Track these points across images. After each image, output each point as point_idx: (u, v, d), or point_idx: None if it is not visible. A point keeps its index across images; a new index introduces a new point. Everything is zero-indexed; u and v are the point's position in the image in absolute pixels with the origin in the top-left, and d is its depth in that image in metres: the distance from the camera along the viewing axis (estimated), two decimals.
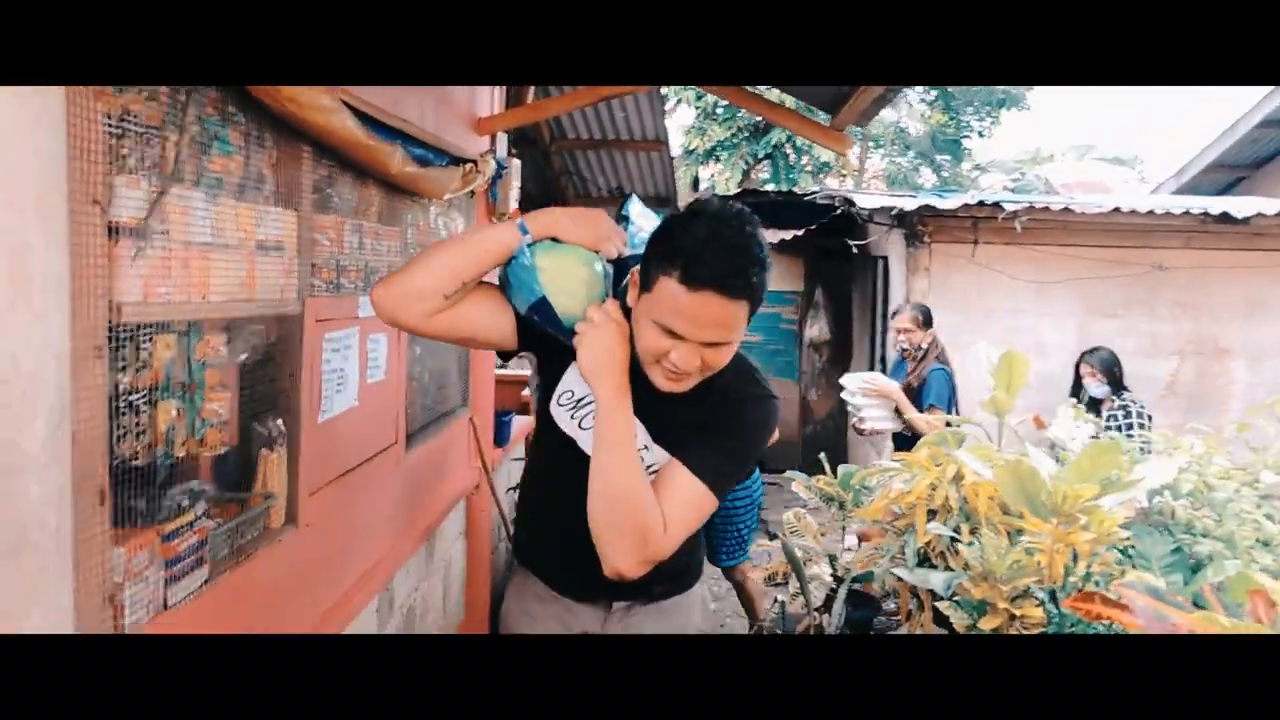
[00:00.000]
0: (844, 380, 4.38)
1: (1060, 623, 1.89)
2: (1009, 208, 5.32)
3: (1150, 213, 5.39)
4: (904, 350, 4.47)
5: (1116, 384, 4.48)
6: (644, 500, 1.37)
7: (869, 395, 4.28)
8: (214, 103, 1.63)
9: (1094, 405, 4.54)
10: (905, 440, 4.32)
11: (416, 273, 1.44)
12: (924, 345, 4.41)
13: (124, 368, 1.44)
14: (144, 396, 1.50)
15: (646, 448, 1.49)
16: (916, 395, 4.33)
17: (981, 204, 5.42)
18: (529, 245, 1.43)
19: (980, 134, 17.34)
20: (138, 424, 1.48)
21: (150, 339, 1.49)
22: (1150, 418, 4.41)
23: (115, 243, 1.33)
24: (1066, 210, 5.43)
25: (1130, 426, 4.29)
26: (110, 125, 1.33)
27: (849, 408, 4.40)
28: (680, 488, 1.41)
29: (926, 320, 4.46)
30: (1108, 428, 4.33)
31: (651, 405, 1.46)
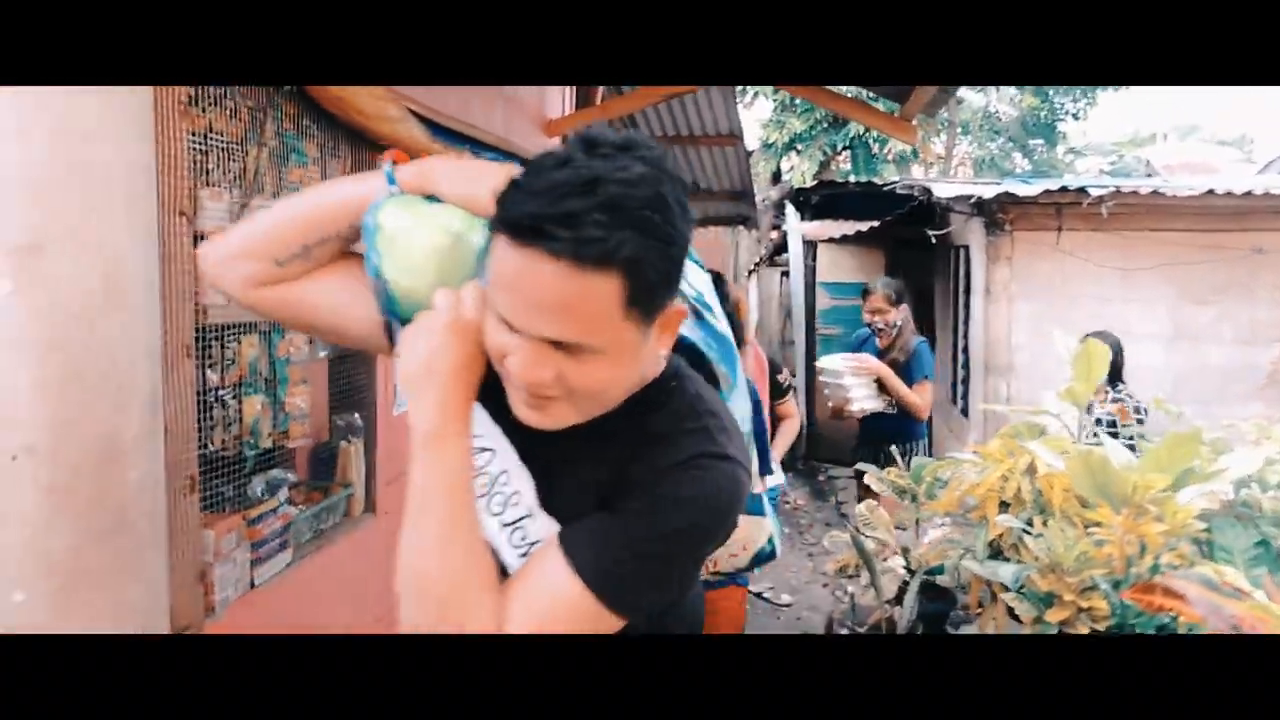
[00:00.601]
0: (823, 361, 4.23)
1: (1123, 614, 1.85)
2: (1094, 192, 5.14)
3: (1248, 194, 5.13)
4: (878, 330, 4.26)
5: (1116, 374, 4.23)
6: (460, 586, 0.88)
7: (858, 374, 4.08)
8: (290, 117, 1.75)
9: None
10: (887, 420, 4.12)
11: (246, 226, 1.03)
12: (897, 322, 4.27)
13: (212, 365, 1.57)
14: (230, 392, 1.63)
15: (529, 516, 0.96)
16: (904, 370, 4.14)
17: (1065, 189, 5.24)
18: (389, 199, 0.99)
19: (1075, 116, 16.71)
20: (225, 417, 1.61)
21: (236, 338, 1.62)
22: (1147, 412, 4.16)
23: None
24: (1156, 193, 5.21)
25: (1128, 424, 4.06)
26: (195, 141, 1.45)
27: (825, 390, 4.25)
28: (544, 582, 0.89)
29: (898, 297, 4.26)
30: (1098, 421, 4.11)
31: (546, 453, 0.95)
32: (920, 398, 4.09)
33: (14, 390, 1.17)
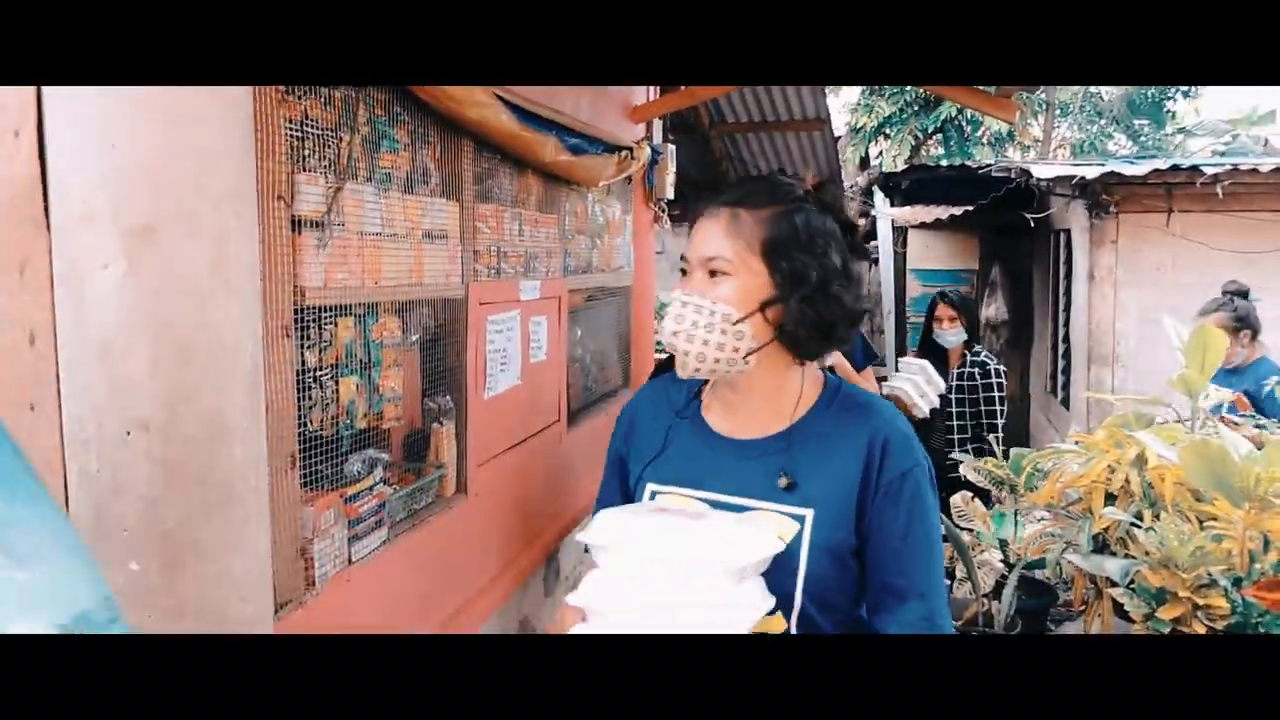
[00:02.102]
0: None
1: (1246, 613, 1.74)
2: (1209, 170, 4.86)
3: None
4: None
5: (974, 335, 3.82)
6: None
7: None
8: (382, 104, 1.78)
9: (939, 355, 3.83)
10: None
11: None
12: None
13: (309, 346, 1.61)
14: (327, 373, 1.67)
15: None
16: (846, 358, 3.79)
17: (1176, 168, 4.97)
18: None
19: (1185, 94, 15.83)
20: (322, 398, 1.65)
21: (332, 321, 1.65)
22: (1006, 375, 3.75)
23: (299, 234, 1.49)
24: (1278, 171, 4.89)
25: (990, 389, 3.65)
26: (291, 128, 1.48)
27: None
28: None
29: None
30: (960, 386, 3.73)
31: None
32: (869, 386, 3.70)
33: (129, 368, 1.22)
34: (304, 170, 1.52)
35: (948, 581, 3.45)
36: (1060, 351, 6.50)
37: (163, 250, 1.21)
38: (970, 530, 3.37)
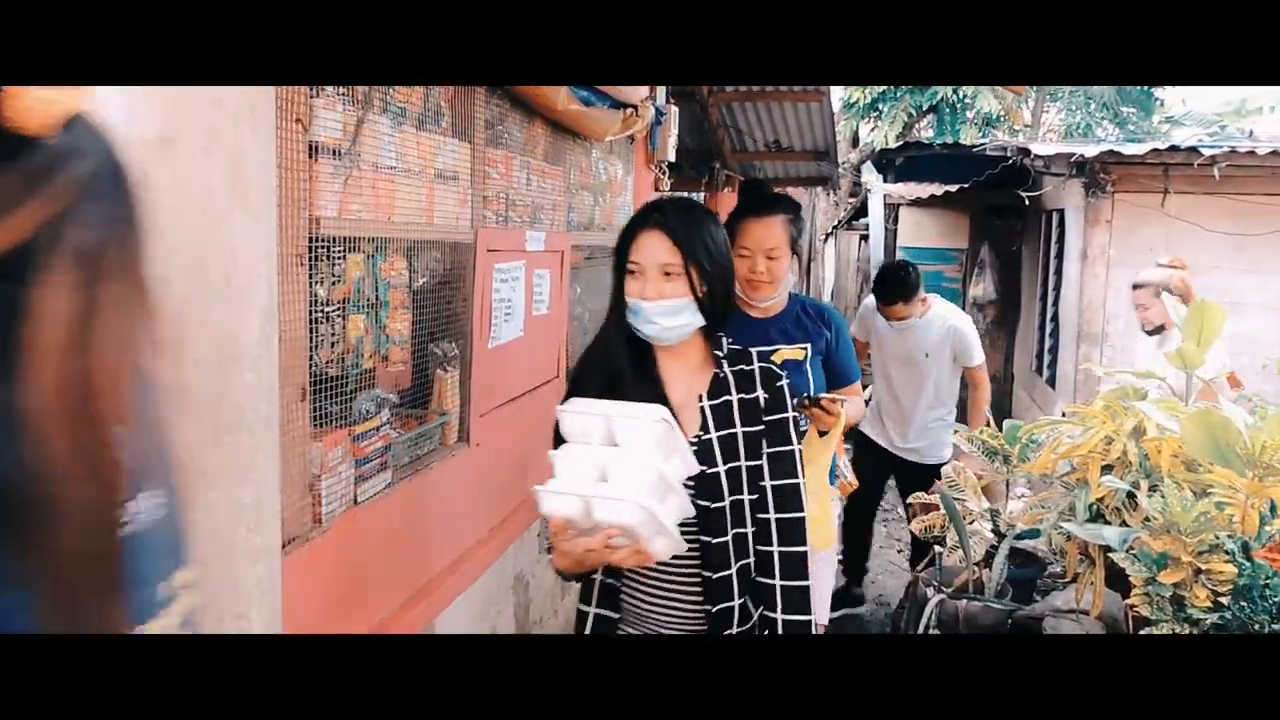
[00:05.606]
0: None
1: (1253, 576, 1.75)
2: (1207, 152, 4.88)
3: None
4: None
5: None
6: None
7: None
8: None
9: None
10: None
11: None
12: None
13: (320, 280, 1.56)
14: (337, 309, 1.62)
15: None
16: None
17: (1175, 149, 4.99)
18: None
19: None
20: (332, 333, 1.61)
21: (343, 255, 1.61)
22: None
23: (314, 160, 1.44)
24: (1276, 154, 4.91)
25: None
26: None
27: None
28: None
29: None
30: None
31: None
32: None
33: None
34: (320, 95, 1.47)
35: (939, 549, 3.47)
36: (1048, 331, 6.53)
37: (179, 164, 1.16)
38: (962, 500, 3.38)
